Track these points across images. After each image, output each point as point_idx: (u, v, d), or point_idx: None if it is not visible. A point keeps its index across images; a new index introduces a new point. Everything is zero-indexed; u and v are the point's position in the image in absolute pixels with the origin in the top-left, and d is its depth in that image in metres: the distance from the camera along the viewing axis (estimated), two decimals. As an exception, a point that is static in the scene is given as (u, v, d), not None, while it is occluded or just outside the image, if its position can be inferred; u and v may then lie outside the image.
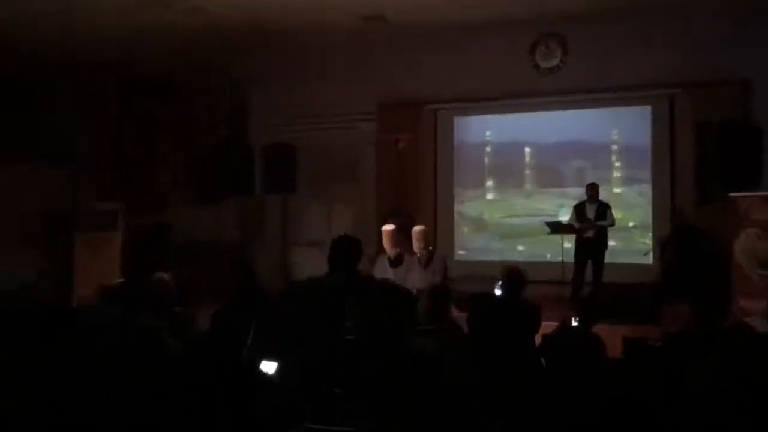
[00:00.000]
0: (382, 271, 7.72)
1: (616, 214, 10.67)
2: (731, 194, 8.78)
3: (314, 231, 12.15)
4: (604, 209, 10.34)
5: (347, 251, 5.06)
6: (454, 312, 6.03)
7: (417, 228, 7.84)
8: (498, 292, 6.26)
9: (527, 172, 12.04)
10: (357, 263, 5.13)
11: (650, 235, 11.31)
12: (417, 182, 12.18)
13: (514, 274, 5.95)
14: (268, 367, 4.35)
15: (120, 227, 10.63)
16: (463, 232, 12.38)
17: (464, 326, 5.72)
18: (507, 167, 12.13)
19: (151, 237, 11.47)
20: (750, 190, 9.00)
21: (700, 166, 10.76)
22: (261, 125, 12.85)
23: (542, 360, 5.28)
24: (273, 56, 12.30)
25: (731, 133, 9.98)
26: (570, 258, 10.37)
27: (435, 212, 12.23)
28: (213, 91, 12.63)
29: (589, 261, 10.21)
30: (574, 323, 5.78)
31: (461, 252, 12.32)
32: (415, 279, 7.55)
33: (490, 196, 12.29)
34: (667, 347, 4.95)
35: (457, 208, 12.34)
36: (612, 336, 5.75)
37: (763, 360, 3.88)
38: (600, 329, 5.72)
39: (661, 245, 10.55)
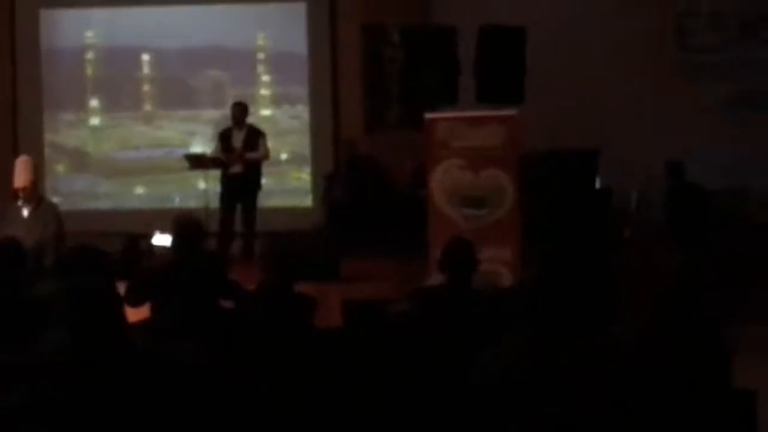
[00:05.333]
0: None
1: (266, 143, 10.64)
2: (427, 116, 8.30)
3: None
4: (255, 137, 9.88)
5: None
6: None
7: (22, 158, 7.62)
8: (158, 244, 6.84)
9: (146, 88, 11.59)
10: None
11: (308, 170, 11.36)
12: (-12, 103, 11.32)
13: (190, 224, 5.74)
14: None
15: None
16: (57, 170, 11.70)
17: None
18: (118, 82, 11.64)
19: None
20: (444, 110, 8.55)
21: (374, 81, 10.11)
22: None
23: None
24: None
25: (413, 39, 9.36)
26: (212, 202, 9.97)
27: (15, 144, 11.24)
28: None
29: (239, 205, 9.89)
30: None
31: (55, 198, 10.73)
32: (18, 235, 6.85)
33: (94, 121, 11.69)
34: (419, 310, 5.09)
35: (49, 137, 11.58)
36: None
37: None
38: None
39: (325, 184, 10.49)
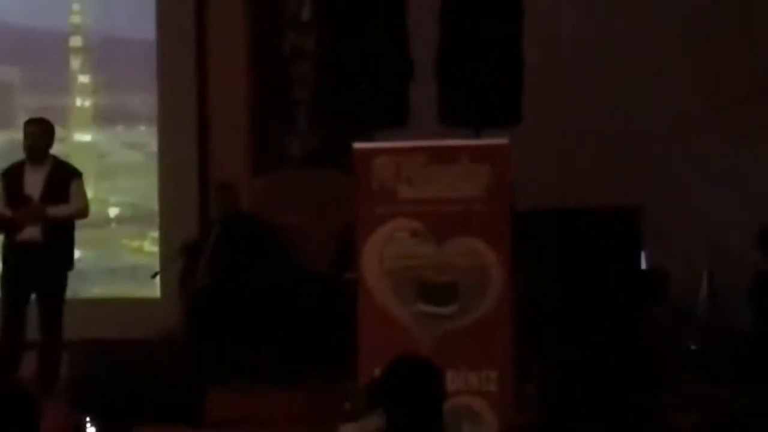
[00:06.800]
0: None
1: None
2: (357, 146, 8.25)
3: None
4: (64, 179, 9.78)
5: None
6: None
7: None
8: None
9: None
10: None
11: (156, 235, 11.53)
12: None
13: None
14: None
15: None
16: None
17: None
18: None
19: None
20: (387, 137, 8.54)
21: (269, 88, 11.07)
22: None
23: None
24: None
25: (334, 18, 9.18)
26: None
27: None
28: None
29: (34, 294, 9.75)
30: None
31: None
32: None
33: None
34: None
35: None
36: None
37: None
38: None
39: (183, 259, 10.71)
